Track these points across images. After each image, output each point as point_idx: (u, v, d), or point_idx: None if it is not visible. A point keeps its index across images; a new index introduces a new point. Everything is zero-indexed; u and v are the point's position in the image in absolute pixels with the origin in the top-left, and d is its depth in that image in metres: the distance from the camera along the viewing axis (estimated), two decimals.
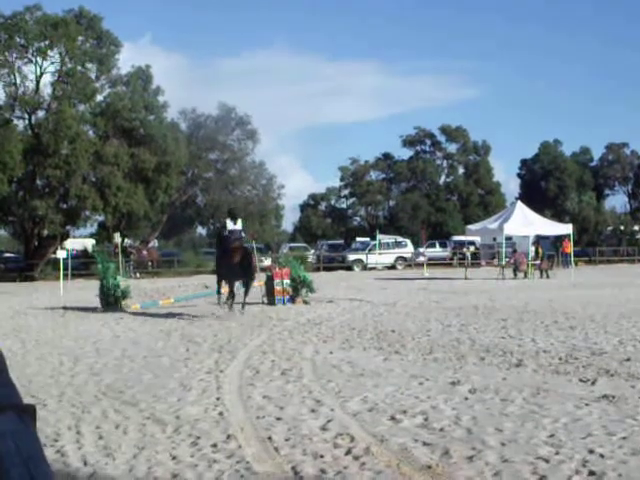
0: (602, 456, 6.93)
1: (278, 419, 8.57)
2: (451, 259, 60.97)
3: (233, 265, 20.31)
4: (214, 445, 7.54)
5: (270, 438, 7.74)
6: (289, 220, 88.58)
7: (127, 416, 8.91)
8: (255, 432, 8.03)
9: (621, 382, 10.41)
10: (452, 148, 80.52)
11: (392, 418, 8.51)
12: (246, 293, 20.84)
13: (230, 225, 21.10)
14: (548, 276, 39.30)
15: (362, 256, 58.38)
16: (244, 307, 20.80)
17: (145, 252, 54.78)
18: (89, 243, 59.97)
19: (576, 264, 46.86)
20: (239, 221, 21.24)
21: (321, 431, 7.99)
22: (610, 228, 75.34)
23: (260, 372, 11.69)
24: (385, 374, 11.31)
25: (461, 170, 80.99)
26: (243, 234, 21.81)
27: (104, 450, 7.47)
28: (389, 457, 7.02)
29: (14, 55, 47.60)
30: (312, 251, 63.36)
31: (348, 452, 7.19)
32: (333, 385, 10.49)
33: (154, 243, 65.68)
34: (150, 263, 54.28)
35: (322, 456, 7.10)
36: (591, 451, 7.08)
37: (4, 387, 2.92)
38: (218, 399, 9.72)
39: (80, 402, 9.75)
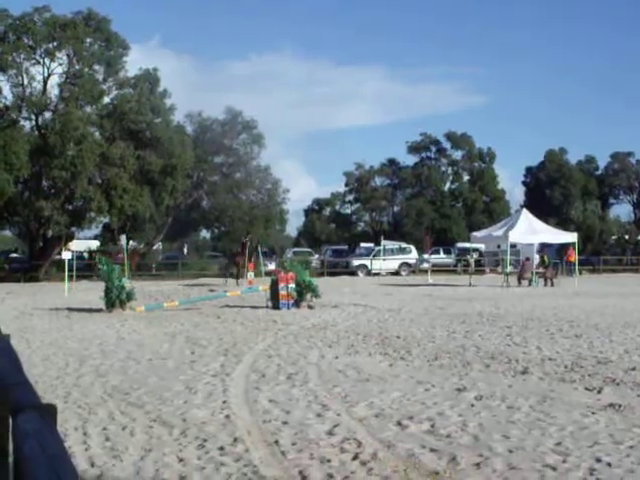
0: (609, 465, 6.94)
1: (284, 423, 8.58)
2: (455, 266, 60.91)
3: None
4: (221, 448, 7.55)
5: (277, 442, 7.75)
6: (293, 225, 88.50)
7: (133, 418, 8.93)
8: (262, 436, 8.05)
9: (627, 391, 10.42)
10: (457, 155, 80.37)
11: (399, 424, 8.52)
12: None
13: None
14: (553, 284, 39.24)
15: (366, 262, 58.20)
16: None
17: (120, 255, 50.41)
18: (94, 245, 59.91)
19: (580, 273, 46.78)
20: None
21: (328, 436, 8.00)
22: (614, 237, 75.15)
23: (266, 376, 11.71)
24: (391, 380, 11.32)
25: (466, 177, 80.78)
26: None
27: (111, 452, 7.49)
28: (396, 463, 7.03)
29: (22, 56, 47.54)
30: (316, 256, 63.29)
31: (355, 457, 7.20)
32: (339, 390, 10.50)
33: (159, 245, 65.62)
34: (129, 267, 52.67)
35: (329, 461, 7.11)
36: (598, 460, 7.09)
37: (22, 386, 2.93)
38: (224, 402, 9.74)
39: (86, 403, 9.76)
